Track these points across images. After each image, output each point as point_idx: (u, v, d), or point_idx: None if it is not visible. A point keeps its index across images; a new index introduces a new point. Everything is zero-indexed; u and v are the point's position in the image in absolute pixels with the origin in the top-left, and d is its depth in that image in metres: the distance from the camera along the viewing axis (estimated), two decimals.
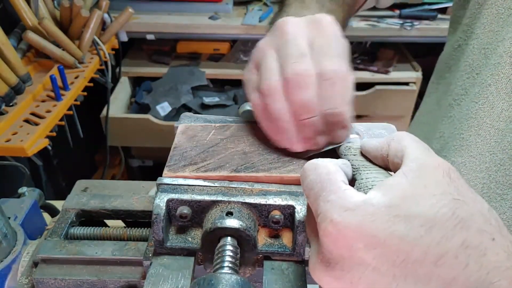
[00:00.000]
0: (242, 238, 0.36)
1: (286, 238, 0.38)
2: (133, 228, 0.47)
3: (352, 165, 0.34)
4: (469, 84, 0.56)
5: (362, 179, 0.32)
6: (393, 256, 0.26)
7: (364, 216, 0.26)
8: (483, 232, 0.25)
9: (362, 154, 0.35)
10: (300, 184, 0.38)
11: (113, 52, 1.42)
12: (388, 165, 0.32)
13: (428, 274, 0.25)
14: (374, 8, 0.75)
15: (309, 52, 0.38)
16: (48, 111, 1.02)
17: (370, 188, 0.30)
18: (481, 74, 0.54)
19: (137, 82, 1.85)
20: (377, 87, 1.72)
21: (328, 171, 0.30)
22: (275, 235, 0.38)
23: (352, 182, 0.33)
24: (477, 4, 0.57)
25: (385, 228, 0.26)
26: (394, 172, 0.29)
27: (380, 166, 0.33)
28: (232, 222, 0.35)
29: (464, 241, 0.25)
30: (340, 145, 0.39)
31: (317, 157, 0.40)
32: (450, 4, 1.69)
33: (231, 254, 0.34)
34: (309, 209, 0.33)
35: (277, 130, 0.40)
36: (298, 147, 0.40)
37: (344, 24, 0.61)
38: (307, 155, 0.40)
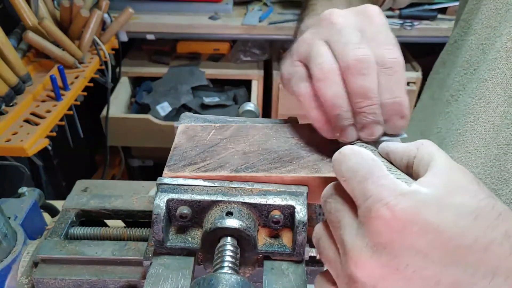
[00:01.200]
0: (242, 238, 0.36)
1: (286, 238, 0.38)
2: (133, 228, 0.47)
3: None
4: (467, 80, 0.56)
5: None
6: (445, 243, 0.26)
7: (419, 202, 0.27)
8: None
9: (381, 156, 0.35)
10: (300, 184, 0.38)
11: (113, 52, 1.42)
12: (409, 171, 0.32)
13: (477, 261, 0.26)
14: None
15: (364, 40, 0.37)
16: (48, 111, 1.02)
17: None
18: (478, 69, 0.54)
19: (137, 82, 1.85)
20: None
21: (373, 158, 0.30)
22: (275, 235, 0.38)
23: None
24: (475, 0, 0.57)
25: (438, 215, 0.27)
26: (415, 178, 0.30)
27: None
28: (232, 222, 0.35)
29: (507, 230, 0.27)
30: (391, 139, 0.38)
31: (319, 155, 0.40)
32: (450, 4, 1.69)
33: (231, 254, 0.34)
34: (339, 194, 0.32)
35: (329, 118, 0.38)
36: (352, 135, 0.38)
37: None
38: (344, 142, 0.39)
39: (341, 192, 0.32)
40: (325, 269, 0.35)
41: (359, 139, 0.38)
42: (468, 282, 0.27)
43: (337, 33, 0.38)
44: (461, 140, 0.54)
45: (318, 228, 0.34)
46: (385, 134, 0.38)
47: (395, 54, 0.36)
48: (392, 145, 0.34)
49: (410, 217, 0.27)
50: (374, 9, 0.39)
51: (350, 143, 0.38)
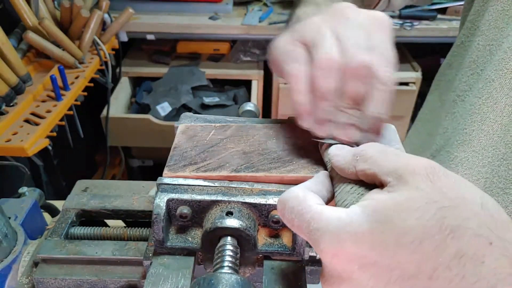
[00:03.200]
0: (242, 238, 0.36)
1: (286, 238, 0.38)
2: (133, 228, 0.47)
3: (330, 175, 0.35)
4: (474, 80, 0.57)
5: (339, 192, 0.32)
6: (387, 275, 0.25)
7: (353, 237, 0.26)
8: (479, 237, 0.24)
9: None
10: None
11: (113, 52, 1.42)
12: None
13: None
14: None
15: (370, 48, 0.37)
16: (49, 111, 1.02)
17: (349, 202, 0.30)
18: (485, 70, 0.54)
19: (137, 82, 1.85)
20: None
21: (299, 201, 0.30)
22: (275, 235, 0.38)
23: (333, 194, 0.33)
24: (482, 1, 0.57)
25: (374, 247, 0.25)
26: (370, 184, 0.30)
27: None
28: (232, 222, 0.35)
29: (458, 251, 0.24)
30: (327, 148, 0.38)
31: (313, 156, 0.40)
32: (450, 4, 1.69)
33: (231, 254, 0.34)
34: None
35: (311, 107, 0.38)
36: (327, 132, 0.38)
37: None
38: (321, 141, 0.39)
39: None
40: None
41: (334, 138, 0.38)
42: None
43: (349, 29, 0.38)
44: (468, 140, 0.54)
45: None
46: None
47: (394, 76, 0.37)
48: (333, 161, 0.33)
49: (348, 256, 0.26)
50: (386, 19, 0.39)
51: (323, 138, 0.38)
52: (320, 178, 0.34)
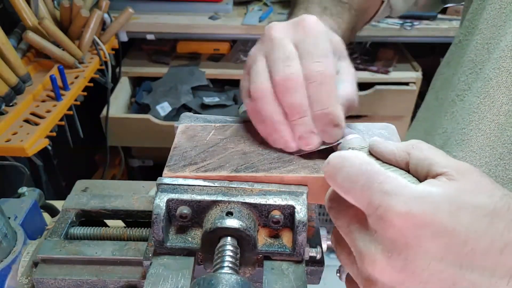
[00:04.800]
0: (242, 238, 0.36)
1: (286, 238, 0.38)
2: (133, 228, 0.47)
3: None
4: (472, 79, 0.57)
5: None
6: (460, 246, 0.26)
7: (431, 205, 0.27)
8: None
9: (370, 154, 0.35)
10: (300, 184, 0.38)
11: (113, 52, 1.42)
12: (403, 169, 0.32)
13: (494, 263, 0.26)
14: None
15: (295, 54, 0.39)
16: (48, 111, 1.02)
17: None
18: (483, 69, 0.54)
19: (137, 82, 1.85)
20: (377, 87, 1.72)
21: (367, 162, 0.30)
22: (275, 235, 0.38)
23: None
24: (480, 0, 0.57)
25: (451, 218, 0.27)
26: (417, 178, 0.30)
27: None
28: (232, 222, 0.35)
29: None
30: (339, 144, 0.39)
31: (314, 156, 0.40)
32: (450, 4, 1.69)
33: (231, 254, 0.34)
34: (341, 199, 0.32)
35: (270, 131, 0.40)
36: (292, 147, 0.40)
37: (352, 30, 0.61)
38: (301, 153, 0.40)
39: (343, 198, 0.32)
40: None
41: (299, 151, 0.40)
42: (485, 285, 0.27)
43: (272, 48, 0.40)
44: (466, 140, 0.54)
45: (334, 231, 0.35)
46: (324, 143, 0.40)
47: (322, 67, 0.38)
48: (381, 146, 0.34)
49: (423, 222, 0.27)
50: (310, 19, 0.40)
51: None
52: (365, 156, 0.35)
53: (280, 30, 0.41)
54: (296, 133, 0.39)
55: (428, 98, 0.73)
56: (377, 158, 0.34)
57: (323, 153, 0.41)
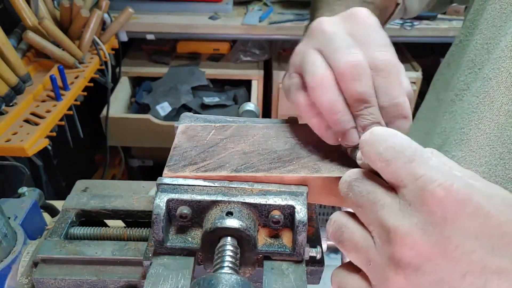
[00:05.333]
0: (242, 238, 0.36)
1: (286, 238, 0.38)
2: (133, 228, 0.47)
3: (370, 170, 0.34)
4: (471, 79, 0.57)
5: None
6: (495, 228, 0.27)
7: (469, 186, 0.27)
8: None
9: None
10: (300, 184, 0.38)
11: (113, 52, 1.42)
12: None
13: None
14: None
15: (356, 44, 0.37)
16: (48, 111, 1.02)
17: None
18: (483, 69, 0.54)
19: (137, 82, 1.85)
20: None
21: (410, 140, 0.30)
22: (275, 235, 0.38)
23: None
24: (481, 0, 0.57)
25: (489, 201, 0.27)
26: None
27: None
28: (232, 222, 0.35)
29: None
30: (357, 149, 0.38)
31: (319, 154, 0.40)
32: (455, 4, 1.68)
33: (231, 254, 0.34)
34: (368, 178, 0.32)
35: (329, 123, 0.38)
36: (355, 138, 0.37)
37: None
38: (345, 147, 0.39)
39: (371, 175, 0.32)
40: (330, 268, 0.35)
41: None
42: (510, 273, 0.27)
43: (328, 40, 0.38)
44: (465, 139, 0.54)
45: (337, 217, 0.34)
46: None
47: (388, 56, 0.37)
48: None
49: (464, 199, 0.27)
50: (362, 11, 0.39)
51: (355, 147, 0.38)
52: None
53: (332, 23, 0.39)
54: (360, 124, 0.36)
55: (428, 98, 0.73)
56: None
57: (325, 153, 0.41)
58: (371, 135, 0.31)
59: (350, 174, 0.34)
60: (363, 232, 0.32)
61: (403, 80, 0.37)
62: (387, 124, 0.37)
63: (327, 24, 0.39)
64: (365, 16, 0.39)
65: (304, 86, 0.39)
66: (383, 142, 0.30)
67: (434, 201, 0.27)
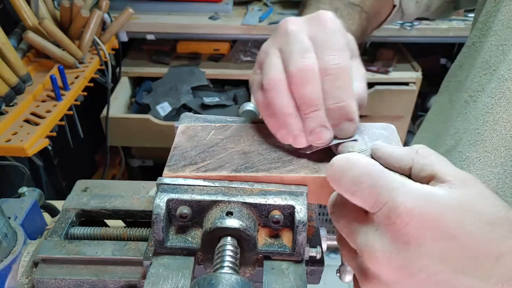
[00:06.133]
0: (242, 238, 0.36)
1: (286, 238, 0.38)
2: (133, 228, 0.47)
3: None
4: (486, 80, 0.56)
5: None
6: (461, 250, 0.27)
7: (437, 206, 0.27)
8: None
9: (372, 158, 0.35)
10: (300, 184, 0.38)
11: (113, 52, 1.42)
12: (406, 175, 0.32)
13: (490, 269, 0.27)
14: None
15: (312, 47, 0.38)
16: (48, 111, 1.02)
17: None
18: (498, 70, 0.54)
19: (137, 82, 1.85)
20: (377, 87, 1.72)
21: (372, 163, 0.31)
22: (275, 235, 0.38)
23: None
24: (494, 2, 0.57)
25: (456, 222, 0.27)
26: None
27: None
28: (232, 222, 0.35)
29: None
30: (344, 142, 0.39)
31: (318, 154, 0.40)
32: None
33: (231, 254, 0.34)
34: (342, 204, 0.33)
35: (280, 125, 0.39)
36: (302, 142, 0.39)
37: (362, 33, 0.61)
38: (310, 151, 0.40)
39: (345, 201, 0.32)
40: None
41: (310, 147, 0.39)
42: None
43: (288, 41, 0.39)
44: (480, 140, 0.54)
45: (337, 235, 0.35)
46: (336, 138, 0.39)
47: (338, 60, 0.37)
48: (385, 151, 0.34)
49: (427, 222, 0.27)
50: (326, 15, 0.40)
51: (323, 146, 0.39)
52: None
53: (296, 24, 0.40)
54: (307, 127, 0.38)
55: (440, 100, 0.73)
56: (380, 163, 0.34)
57: (325, 153, 0.41)
58: (333, 169, 0.32)
59: (331, 198, 0.35)
60: (348, 248, 0.34)
61: (355, 84, 0.38)
62: (334, 127, 0.38)
63: (292, 24, 0.40)
64: (328, 19, 0.40)
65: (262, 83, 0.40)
66: (345, 174, 0.31)
67: (396, 228, 0.28)
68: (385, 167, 0.33)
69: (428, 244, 0.27)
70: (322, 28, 0.39)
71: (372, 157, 0.35)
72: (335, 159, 0.32)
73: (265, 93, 0.39)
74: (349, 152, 0.37)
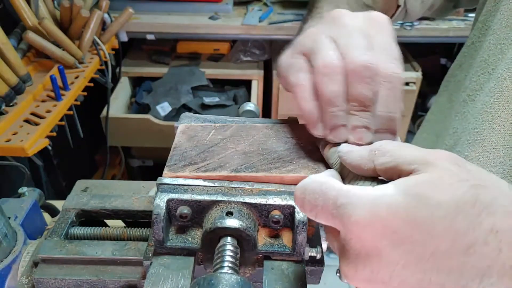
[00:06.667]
0: (242, 238, 0.36)
1: (286, 238, 0.38)
2: (133, 228, 0.47)
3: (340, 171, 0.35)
4: (484, 80, 0.56)
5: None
6: (420, 251, 0.25)
7: (385, 210, 0.26)
8: (511, 213, 0.25)
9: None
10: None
11: (113, 52, 1.42)
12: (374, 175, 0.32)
13: (460, 264, 0.25)
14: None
15: (372, 47, 0.37)
16: (48, 111, 1.02)
17: None
18: (497, 69, 0.54)
19: (137, 82, 1.85)
20: None
21: (320, 183, 0.30)
22: (275, 235, 0.38)
23: None
24: (494, 1, 0.57)
25: (407, 222, 0.25)
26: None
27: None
28: (232, 222, 0.35)
29: (493, 226, 0.24)
30: (332, 147, 0.38)
31: (318, 154, 0.40)
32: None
33: (231, 254, 0.34)
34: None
35: (321, 114, 0.37)
36: (341, 136, 0.37)
37: None
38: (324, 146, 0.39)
39: None
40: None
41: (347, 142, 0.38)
42: (455, 286, 0.25)
43: (346, 34, 0.37)
44: (479, 139, 0.54)
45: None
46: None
47: (399, 70, 0.36)
48: (347, 158, 0.33)
49: (380, 229, 0.26)
50: (383, 18, 0.39)
51: (337, 144, 0.38)
52: (331, 172, 0.34)
53: (353, 19, 0.39)
54: (351, 123, 0.36)
55: (439, 100, 0.73)
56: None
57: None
58: (296, 200, 0.31)
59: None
60: None
61: (402, 97, 0.37)
62: (374, 131, 0.37)
63: (349, 18, 0.39)
64: (385, 23, 0.39)
65: (309, 69, 0.38)
66: (304, 203, 0.31)
67: (354, 242, 0.27)
68: (356, 173, 0.33)
69: (386, 252, 0.26)
70: (380, 31, 0.38)
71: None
72: (295, 189, 0.31)
73: (317, 77, 0.37)
74: (333, 152, 0.37)
